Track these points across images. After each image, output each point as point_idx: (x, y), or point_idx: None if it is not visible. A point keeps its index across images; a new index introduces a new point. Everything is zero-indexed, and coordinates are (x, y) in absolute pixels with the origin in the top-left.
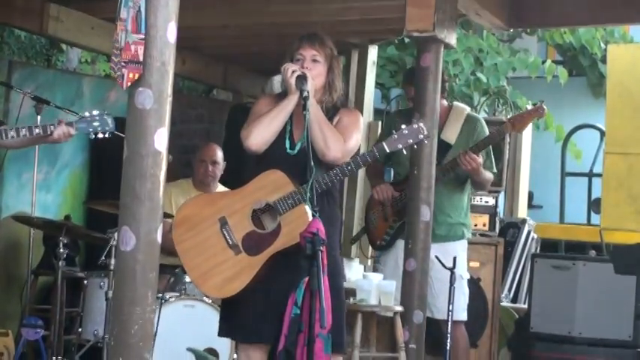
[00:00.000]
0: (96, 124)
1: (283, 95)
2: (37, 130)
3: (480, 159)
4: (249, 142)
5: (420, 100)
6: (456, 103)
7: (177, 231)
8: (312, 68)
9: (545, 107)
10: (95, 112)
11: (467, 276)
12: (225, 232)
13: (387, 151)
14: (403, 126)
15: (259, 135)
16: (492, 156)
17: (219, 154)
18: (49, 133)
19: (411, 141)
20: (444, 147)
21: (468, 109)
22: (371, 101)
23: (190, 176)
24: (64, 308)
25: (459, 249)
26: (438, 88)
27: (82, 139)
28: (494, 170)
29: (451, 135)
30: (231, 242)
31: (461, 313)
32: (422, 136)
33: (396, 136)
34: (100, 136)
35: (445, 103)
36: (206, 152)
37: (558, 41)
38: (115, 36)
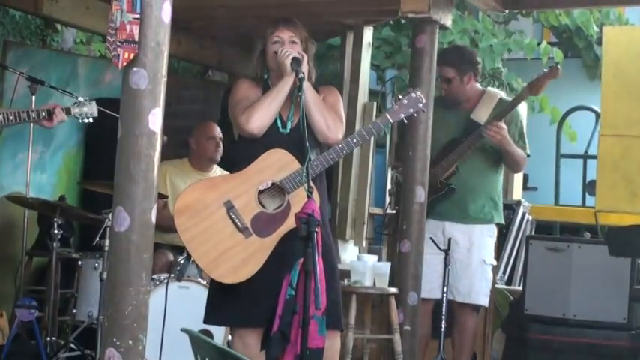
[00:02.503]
0: (85, 109)
1: (260, 78)
2: (33, 115)
3: (504, 126)
4: (250, 126)
5: (416, 81)
6: (489, 88)
7: (179, 219)
8: (293, 48)
9: (560, 68)
10: (81, 98)
11: (491, 261)
12: (232, 216)
13: (391, 121)
14: (401, 96)
15: (259, 118)
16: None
17: (220, 132)
18: (40, 118)
19: (412, 110)
20: (473, 126)
21: (501, 94)
22: (366, 82)
23: (186, 157)
24: (58, 289)
25: (485, 233)
26: (433, 68)
27: (77, 120)
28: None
29: (482, 115)
30: (240, 226)
31: (482, 298)
32: (421, 105)
33: (396, 106)
34: (87, 121)
35: (479, 87)
36: (212, 129)
37: (554, 23)
38: (111, 16)
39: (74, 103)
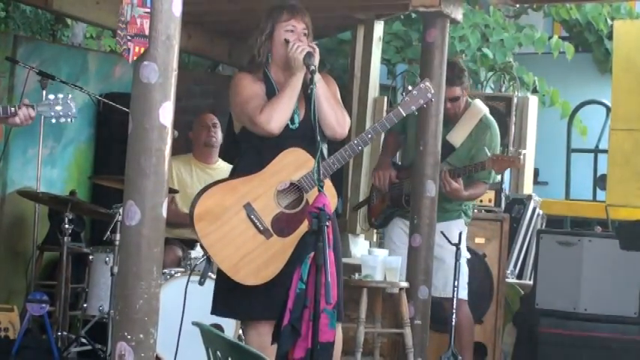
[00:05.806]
0: (58, 108)
1: (259, 65)
2: None
3: (458, 185)
4: (272, 126)
5: (426, 75)
6: (474, 102)
7: (199, 224)
8: (303, 41)
9: (521, 160)
10: (59, 96)
11: (465, 254)
12: (253, 218)
13: (404, 114)
14: (410, 87)
15: (279, 118)
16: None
17: (216, 119)
18: (9, 114)
19: (422, 101)
20: (447, 149)
21: (484, 112)
22: (377, 77)
23: (191, 152)
24: (69, 284)
25: (458, 228)
26: (443, 63)
27: (87, 114)
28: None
29: (457, 138)
30: (261, 227)
31: (460, 291)
32: (430, 95)
33: (407, 98)
34: (62, 121)
35: (463, 100)
36: (205, 118)
37: (564, 17)
38: (121, 9)
39: (43, 101)
